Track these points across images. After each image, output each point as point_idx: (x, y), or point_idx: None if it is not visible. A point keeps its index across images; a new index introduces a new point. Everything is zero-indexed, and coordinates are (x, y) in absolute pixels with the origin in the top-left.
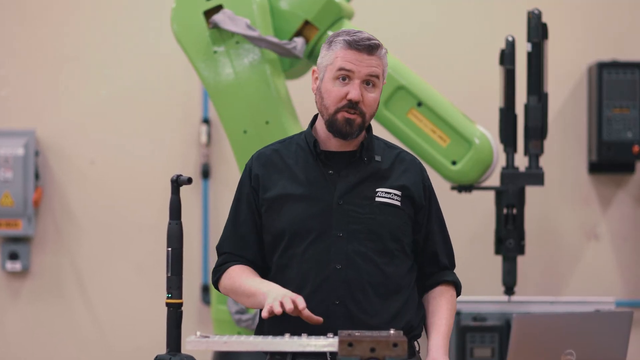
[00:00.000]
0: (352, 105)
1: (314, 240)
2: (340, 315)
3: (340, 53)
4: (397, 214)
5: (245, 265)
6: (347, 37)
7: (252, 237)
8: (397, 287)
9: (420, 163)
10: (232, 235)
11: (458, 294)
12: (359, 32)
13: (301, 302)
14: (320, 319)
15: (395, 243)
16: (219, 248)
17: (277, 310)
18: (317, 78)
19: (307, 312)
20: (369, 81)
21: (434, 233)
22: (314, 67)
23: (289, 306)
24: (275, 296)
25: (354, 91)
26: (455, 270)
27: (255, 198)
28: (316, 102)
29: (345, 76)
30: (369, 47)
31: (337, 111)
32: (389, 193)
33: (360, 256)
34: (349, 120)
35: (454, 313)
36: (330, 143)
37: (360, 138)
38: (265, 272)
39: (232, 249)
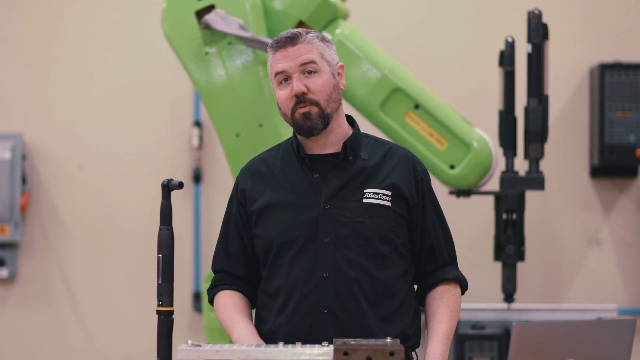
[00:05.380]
0: (300, 100)
1: (301, 248)
2: (330, 324)
3: (271, 59)
4: (387, 214)
5: (234, 290)
6: (271, 42)
7: (240, 254)
8: (389, 292)
9: (413, 157)
10: (223, 252)
11: (464, 289)
12: (284, 31)
13: None
14: None
15: (386, 245)
16: (212, 265)
17: None
18: None
19: None
20: (307, 70)
21: (430, 228)
22: None
23: None
24: None
25: (295, 86)
26: None
27: (242, 213)
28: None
29: (285, 78)
30: (290, 39)
31: (292, 112)
32: (378, 193)
33: (348, 262)
34: (305, 114)
35: (457, 314)
36: (313, 146)
37: (342, 137)
38: (258, 284)
39: (223, 266)
